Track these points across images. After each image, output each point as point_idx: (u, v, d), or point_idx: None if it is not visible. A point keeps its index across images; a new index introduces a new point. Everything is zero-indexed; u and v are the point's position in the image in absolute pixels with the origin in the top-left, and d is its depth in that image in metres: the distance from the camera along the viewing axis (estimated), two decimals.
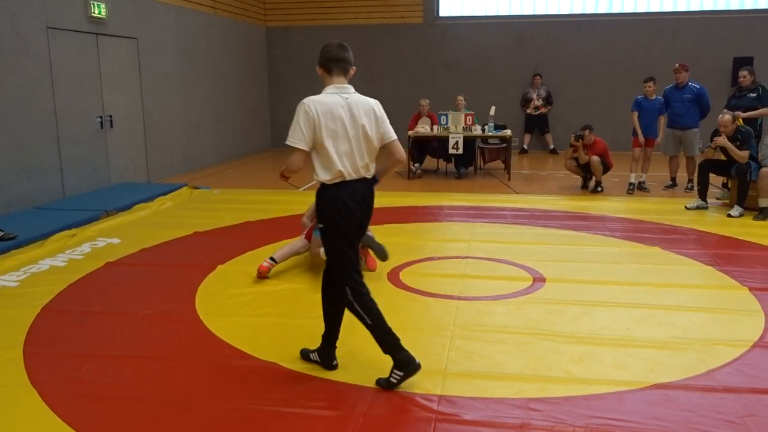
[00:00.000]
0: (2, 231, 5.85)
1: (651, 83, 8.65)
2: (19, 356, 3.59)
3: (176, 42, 10.45)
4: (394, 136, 3.33)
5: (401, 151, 3.35)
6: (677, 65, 8.50)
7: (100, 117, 8.59)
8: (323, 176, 3.12)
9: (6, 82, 7.00)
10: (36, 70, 7.42)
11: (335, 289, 3.26)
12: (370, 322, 3.19)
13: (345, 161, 3.11)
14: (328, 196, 3.14)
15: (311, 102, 3.12)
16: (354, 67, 3.27)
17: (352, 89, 3.23)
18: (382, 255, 4.85)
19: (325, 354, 3.43)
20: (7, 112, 7.01)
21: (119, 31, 8.89)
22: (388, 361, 3.49)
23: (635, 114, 8.73)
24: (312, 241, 5.08)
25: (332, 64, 3.20)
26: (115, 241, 6.15)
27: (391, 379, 3.18)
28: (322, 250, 4.68)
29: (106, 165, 8.78)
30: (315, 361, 3.46)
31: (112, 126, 8.83)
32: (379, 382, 3.22)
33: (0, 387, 3.24)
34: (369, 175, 3.23)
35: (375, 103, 3.29)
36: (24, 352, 3.66)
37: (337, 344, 3.45)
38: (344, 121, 3.12)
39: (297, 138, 3.09)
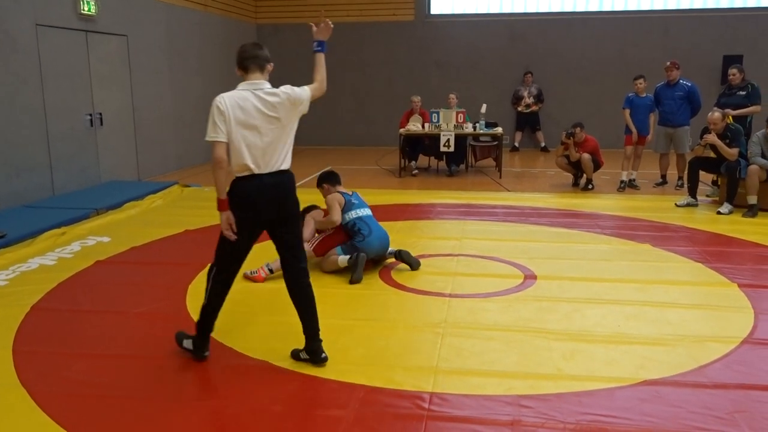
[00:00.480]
0: None
1: (641, 80, 8.70)
2: (8, 355, 3.57)
3: (166, 39, 10.39)
4: (308, 91, 3.47)
5: (319, 89, 3.59)
6: (668, 63, 8.54)
7: (90, 115, 8.53)
8: (234, 169, 3.25)
9: None
10: (25, 67, 7.36)
11: (301, 280, 3.46)
12: (205, 303, 3.45)
13: (255, 155, 3.23)
14: (236, 188, 3.27)
15: (222, 98, 3.25)
16: (271, 63, 3.39)
17: (267, 85, 3.31)
18: (416, 265, 5.10)
19: (312, 350, 3.43)
20: None
21: (109, 28, 8.84)
22: (380, 358, 3.50)
23: (627, 111, 8.77)
24: (324, 257, 5.04)
25: (248, 62, 3.31)
26: (105, 239, 6.12)
27: (185, 343, 3.54)
28: (341, 258, 4.83)
29: (96, 163, 8.72)
30: (305, 360, 3.46)
31: (102, 124, 8.78)
32: (177, 336, 3.59)
33: None
34: (284, 167, 3.32)
35: (287, 90, 3.36)
36: (13, 351, 3.63)
37: (321, 337, 3.46)
38: (255, 115, 3.22)
39: (215, 132, 3.22)
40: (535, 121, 13.22)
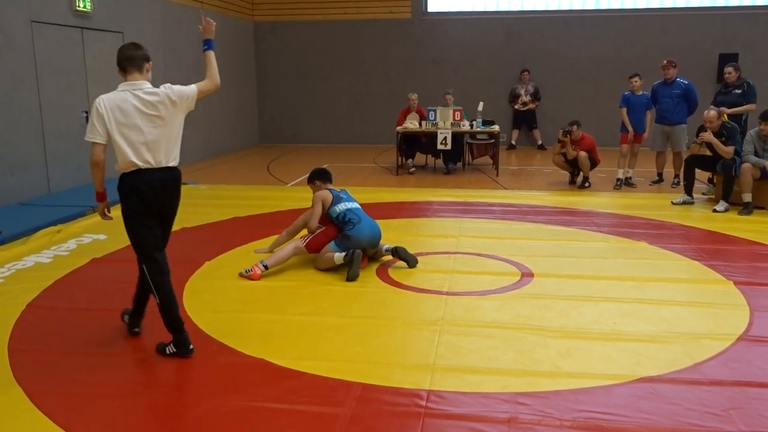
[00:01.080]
0: None
1: (637, 78, 8.71)
2: (3, 353, 3.56)
3: (162, 36, 10.36)
4: (195, 88, 3.59)
5: (208, 85, 3.70)
6: (665, 61, 8.55)
7: (86, 112, 8.49)
8: (120, 166, 3.41)
9: None
10: (20, 64, 7.33)
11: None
12: (158, 301, 3.49)
13: (140, 152, 3.36)
14: (124, 183, 3.43)
15: (101, 100, 3.38)
16: (150, 63, 3.50)
17: (146, 84, 3.43)
18: (413, 262, 5.12)
19: (179, 342, 3.49)
20: None
21: (104, 25, 8.80)
22: (377, 356, 3.50)
23: (624, 110, 8.78)
24: (319, 255, 5.02)
25: (125, 63, 3.42)
26: (101, 237, 6.10)
27: (167, 349, 3.50)
28: (336, 255, 4.83)
29: None
30: (173, 353, 3.49)
31: None
32: (157, 346, 3.54)
33: None
34: (171, 164, 3.48)
35: (167, 89, 3.47)
36: (9, 349, 3.62)
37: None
38: (135, 115, 3.35)
39: (93, 133, 3.36)
40: (532, 119, 13.23)
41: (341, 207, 5.15)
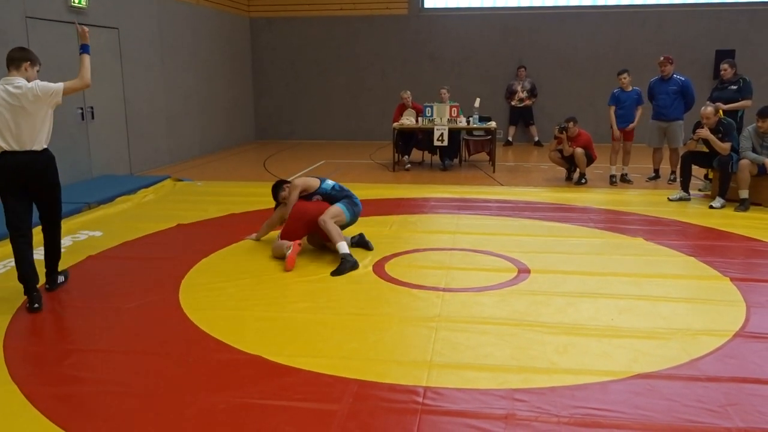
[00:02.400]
0: None
1: (625, 75, 8.64)
2: None
3: (158, 32, 10.32)
4: (61, 85, 4.14)
5: (77, 83, 4.25)
6: (662, 58, 8.54)
7: (81, 108, 8.47)
8: None
9: None
10: None
11: (52, 231, 4.39)
12: (16, 262, 4.17)
13: (5, 136, 3.98)
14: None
15: None
16: (29, 62, 4.11)
17: (18, 80, 4.03)
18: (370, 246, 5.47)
19: (53, 279, 4.45)
20: None
21: (100, 21, 8.76)
22: (374, 353, 3.50)
23: (612, 109, 8.71)
24: (329, 219, 5.17)
25: (8, 62, 4.09)
26: (97, 233, 6.08)
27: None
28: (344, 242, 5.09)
29: (88, 157, 8.66)
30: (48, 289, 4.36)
31: (93, 117, 8.71)
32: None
33: None
34: (36, 148, 4.06)
35: (33, 85, 4.05)
36: (4, 346, 3.60)
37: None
38: (2, 104, 3.96)
39: None
40: (529, 115, 13.23)
41: (329, 182, 5.55)
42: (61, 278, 4.62)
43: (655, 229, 6.19)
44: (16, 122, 3.98)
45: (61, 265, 5.07)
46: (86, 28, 4.52)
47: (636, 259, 5.21)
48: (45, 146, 4.14)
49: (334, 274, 4.80)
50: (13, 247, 4.17)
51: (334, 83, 14.01)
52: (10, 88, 3.99)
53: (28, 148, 4.03)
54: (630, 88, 8.66)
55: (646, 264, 5.09)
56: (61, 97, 4.14)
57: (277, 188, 5.72)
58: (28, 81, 4.07)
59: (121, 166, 9.45)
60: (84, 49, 4.37)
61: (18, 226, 4.13)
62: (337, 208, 5.27)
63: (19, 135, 4.00)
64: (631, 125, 8.66)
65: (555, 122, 9.58)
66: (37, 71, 4.21)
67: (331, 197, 5.42)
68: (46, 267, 4.45)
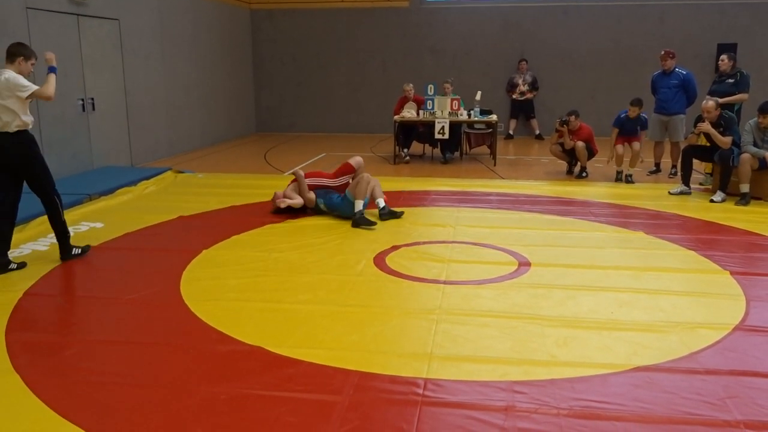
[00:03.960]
0: None
1: (637, 108, 8.32)
2: (1, 341, 3.55)
3: (159, 24, 10.29)
4: (32, 88, 4.64)
5: (41, 93, 4.68)
6: (663, 52, 8.52)
7: (82, 99, 8.46)
8: None
9: None
10: None
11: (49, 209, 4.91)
12: None
13: None
14: None
15: None
16: (22, 56, 4.65)
17: (6, 71, 4.61)
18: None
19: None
20: None
21: (101, 12, 8.74)
22: (374, 345, 3.52)
23: (615, 131, 8.46)
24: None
25: (5, 56, 4.67)
26: (98, 225, 6.09)
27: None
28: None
29: (89, 148, 8.66)
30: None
31: (94, 109, 8.71)
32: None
33: None
34: (8, 130, 4.60)
35: (8, 76, 4.59)
36: (6, 336, 3.61)
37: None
38: None
39: None
40: (530, 108, 13.21)
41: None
42: (77, 250, 5.03)
43: (655, 223, 6.20)
44: None
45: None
46: (53, 55, 4.96)
47: (636, 253, 5.22)
48: (17, 130, 4.64)
49: (353, 225, 5.97)
50: None
51: (335, 76, 13.98)
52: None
53: (2, 130, 4.62)
54: (636, 116, 8.38)
55: (646, 257, 5.10)
56: (25, 95, 4.61)
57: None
58: (21, 74, 4.64)
59: (122, 157, 9.45)
60: (51, 69, 4.85)
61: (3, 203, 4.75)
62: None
63: (10, 120, 4.61)
64: (635, 145, 8.35)
65: (556, 116, 9.56)
66: (32, 64, 4.74)
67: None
68: (56, 239, 4.99)
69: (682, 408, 2.87)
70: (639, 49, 12.72)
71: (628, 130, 8.47)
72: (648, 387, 3.06)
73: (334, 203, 6.35)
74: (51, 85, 4.74)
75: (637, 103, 8.39)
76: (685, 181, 7.54)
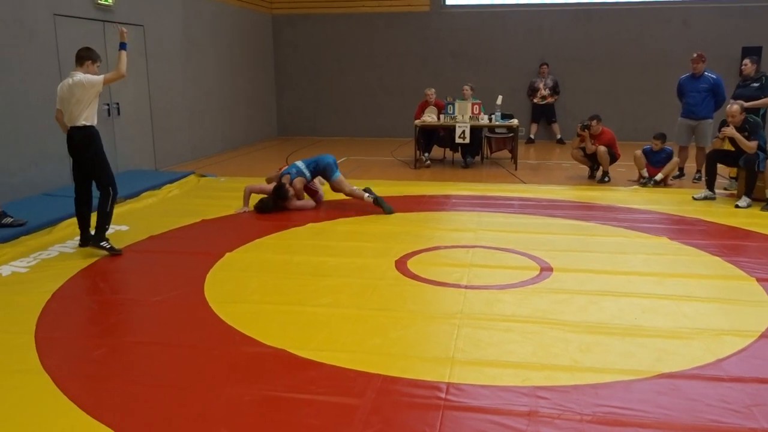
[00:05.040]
0: (11, 217, 5.88)
1: (660, 142, 8.35)
2: (30, 341, 3.63)
3: (182, 29, 10.43)
4: (101, 77, 5.20)
5: (114, 75, 5.28)
6: (695, 55, 8.41)
7: (108, 104, 8.60)
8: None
9: (12, 69, 7.01)
10: (42, 57, 7.43)
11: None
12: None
13: (66, 116, 5.20)
14: None
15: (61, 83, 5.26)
16: (90, 60, 5.20)
17: (77, 74, 5.13)
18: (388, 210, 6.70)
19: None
20: (14, 99, 7.04)
21: (126, 18, 8.88)
22: (396, 348, 3.53)
23: (642, 158, 8.45)
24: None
25: (76, 60, 5.23)
26: (124, 228, 6.19)
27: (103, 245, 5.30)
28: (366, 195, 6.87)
29: (114, 152, 8.79)
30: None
31: (119, 114, 8.85)
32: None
33: (13, 371, 3.28)
34: (78, 124, 5.14)
35: (83, 78, 5.12)
36: (36, 336, 3.69)
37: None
38: (64, 91, 5.15)
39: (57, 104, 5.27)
40: (551, 113, 13.14)
41: (297, 165, 7.03)
42: (106, 244, 5.29)
43: (679, 228, 6.14)
44: (69, 103, 5.11)
45: (88, 259, 5.20)
46: (125, 29, 5.42)
47: (660, 259, 5.17)
48: (86, 124, 5.17)
49: (376, 203, 6.77)
50: (75, 202, 5.46)
51: (355, 80, 14.04)
52: (70, 80, 5.12)
53: (73, 124, 5.17)
54: (660, 149, 8.38)
55: (670, 263, 5.05)
56: (101, 86, 5.18)
57: (283, 192, 6.76)
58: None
59: (146, 161, 9.58)
60: (122, 46, 5.31)
61: (80, 186, 5.39)
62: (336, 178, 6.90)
63: (70, 114, 5.15)
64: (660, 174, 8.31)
65: (578, 120, 9.52)
66: (97, 66, 5.28)
67: (313, 172, 6.97)
68: (96, 225, 5.36)
69: (707, 415, 2.84)
70: (662, 53, 12.60)
71: (654, 161, 8.43)
72: (672, 394, 3.03)
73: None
74: (122, 63, 5.23)
75: (660, 137, 8.35)
76: (710, 186, 7.45)
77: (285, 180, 6.79)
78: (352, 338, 3.67)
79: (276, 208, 6.76)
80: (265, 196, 6.87)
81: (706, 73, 8.38)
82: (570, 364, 3.34)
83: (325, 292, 4.41)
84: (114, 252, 5.29)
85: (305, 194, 7.11)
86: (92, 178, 5.34)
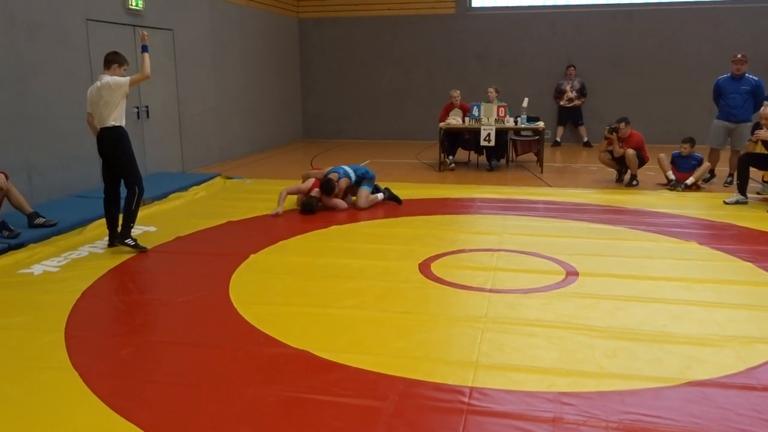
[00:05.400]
0: (44, 218, 6.01)
1: (688, 146, 8.24)
2: (61, 339, 3.70)
3: (210, 33, 10.56)
4: (127, 79, 5.38)
5: (139, 76, 5.49)
6: (739, 56, 8.24)
7: (137, 107, 8.74)
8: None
9: (46, 73, 7.17)
10: (75, 61, 7.58)
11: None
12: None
13: (96, 118, 5.38)
14: None
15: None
16: (116, 64, 5.37)
17: (105, 77, 5.32)
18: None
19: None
20: (47, 102, 7.19)
21: (155, 22, 9.02)
22: (420, 351, 3.52)
23: (669, 166, 8.33)
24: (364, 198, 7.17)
25: (103, 63, 5.43)
26: (152, 229, 6.27)
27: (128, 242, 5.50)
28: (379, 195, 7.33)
29: (143, 154, 8.92)
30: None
31: (148, 116, 8.98)
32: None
33: (43, 368, 3.35)
34: (107, 125, 5.31)
35: (110, 80, 5.29)
36: (65, 335, 3.76)
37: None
38: (93, 94, 5.35)
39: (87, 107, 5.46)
40: (578, 115, 13.00)
41: (343, 169, 7.26)
42: (131, 242, 5.46)
43: (709, 233, 6.02)
44: (100, 107, 5.29)
45: (117, 259, 5.29)
46: (146, 33, 5.67)
47: (689, 264, 5.08)
48: (115, 124, 5.35)
49: (388, 198, 7.29)
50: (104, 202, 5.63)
51: (381, 83, 14.06)
52: (98, 83, 5.31)
53: (103, 125, 5.34)
54: (689, 154, 8.27)
55: (699, 269, 4.96)
56: (128, 87, 5.37)
57: (330, 186, 6.96)
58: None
59: (173, 163, 9.71)
60: (144, 48, 5.51)
61: (109, 185, 5.53)
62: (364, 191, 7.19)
63: (99, 116, 5.33)
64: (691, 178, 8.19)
65: (605, 123, 9.40)
66: (125, 70, 5.44)
67: (357, 178, 7.23)
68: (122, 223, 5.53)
69: (738, 425, 2.77)
70: (694, 54, 12.39)
71: (683, 167, 8.30)
72: (702, 402, 2.97)
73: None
74: (146, 64, 5.44)
75: (689, 141, 8.20)
76: (742, 190, 7.29)
77: (332, 177, 7.02)
78: (376, 341, 3.67)
79: (318, 206, 6.95)
80: (301, 196, 7.05)
81: (746, 74, 8.19)
82: (596, 370, 3.29)
83: (349, 295, 4.41)
84: (139, 249, 5.41)
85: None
86: (121, 177, 5.47)
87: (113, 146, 5.37)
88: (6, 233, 5.59)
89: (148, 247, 5.56)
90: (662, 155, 8.40)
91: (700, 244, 5.64)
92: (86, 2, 7.70)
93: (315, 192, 7.01)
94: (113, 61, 5.38)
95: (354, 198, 7.23)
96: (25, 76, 6.90)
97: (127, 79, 5.37)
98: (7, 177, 5.91)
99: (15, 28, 6.76)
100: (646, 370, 3.29)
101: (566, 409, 2.91)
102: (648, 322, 3.91)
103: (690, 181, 8.14)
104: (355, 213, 6.97)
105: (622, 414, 2.86)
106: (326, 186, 6.92)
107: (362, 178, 7.23)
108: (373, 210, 7.06)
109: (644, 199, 7.71)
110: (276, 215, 6.79)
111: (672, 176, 8.26)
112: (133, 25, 8.54)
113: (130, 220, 5.49)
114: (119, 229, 5.50)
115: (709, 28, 12.42)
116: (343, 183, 7.10)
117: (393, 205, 7.29)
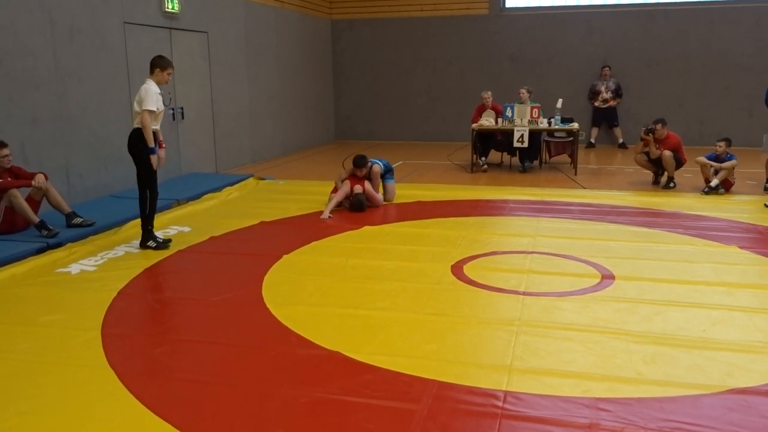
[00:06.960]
0: (81, 218, 6.13)
1: (724, 144, 7.95)
2: (97, 337, 3.76)
3: (244, 35, 10.67)
4: (145, 110, 5.34)
5: (144, 117, 5.38)
6: None
7: (173, 109, 8.87)
8: None
9: (85, 76, 7.32)
10: (113, 63, 7.73)
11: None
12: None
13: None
14: None
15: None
16: (159, 68, 5.46)
17: (147, 80, 5.46)
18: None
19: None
20: (86, 104, 7.34)
21: (191, 25, 9.15)
22: (453, 354, 3.48)
23: (708, 167, 8.05)
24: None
25: (149, 67, 5.56)
26: (186, 229, 6.35)
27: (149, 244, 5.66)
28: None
29: (177, 155, 9.07)
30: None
31: (183, 118, 9.12)
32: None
33: (80, 366, 3.40)
34: (135, 126, 5.44)
35: (144, 86, 5.41)
36: (102, 333, 3.82)
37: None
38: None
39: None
40: (613, 116, 12.78)
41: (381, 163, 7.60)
42: (151, 243, 5.58)
43: (751, 237, 5.85)
44: (134, 109, 5.45)
45: (152, 259, 5.37)
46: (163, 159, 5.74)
47: (730, 268, 4.94)
48: (138, 126, 5.39)
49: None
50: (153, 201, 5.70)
51: (413, 84, 14.04)
52: (143, 85, 5.46)
53: (133, 126, 5.52)
54: (725, 156, 7.99)
55: (740, 273, 4.82)
56: (140, 107, 5.36)
57: (364, 160, 7.28)
58: (158, 83, 5.47)
59: (207, 164, 9.84)
60: (148, 151, 5.48)
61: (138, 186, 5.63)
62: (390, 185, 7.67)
63: (133, 116, 5.50)
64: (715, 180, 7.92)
65: (641, 124, 9.21)
66: (168, 74, 5.51)
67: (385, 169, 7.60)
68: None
69: None
70: (731, 54, 12.08)
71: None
72: (744, 411, 2.88)
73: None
74: (148, 129, 5.36)
75: (725, 139, 7.97)
76: None
77: (376, 168, 7.45)
78: (408, 343, 3.65)
79: (366, 203, 7.16)
80: (335, 195, 7.13)
81: None
82: (633, 376, 3.22)
83: (381, 296, 4.40)
84: (162, 246, 5.58)
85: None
86: (137, 178, 5.57)
87: (135, 146, 5.48)
88: (45, 232, 5.72)
89: (169, 240, 5.75)
90: (702, 159, 8.07)
91: (741, 248, 5.49)
92: (124, 6, 7.85)
93: (357, 188, 7.11)
94: (155, 65, 5.49)
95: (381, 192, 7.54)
96: (64, 79, 7.06)
97: (148, 106, 5.32)
98: (46, 177, 6.05)
99: (56, 32, 6.93)
100: (685, 377, 3.21)
101: (603, 415, 2.85)
102: (687, 328, 3.81)
103: (714, 183, 7.89)
104: (386, 214, 6.96)
105: (660, 421, 2.79)
106: (357, 206, 7.03)
107: (387, 171, 7.62)
108: (404, 211, 7.04)
109: (682, 201, 7.54)
110: (327, 219, 6.74)
111: (715, 182, 7.89)
112: (169, 28, 8.68)
113: (147, 222, 5.60)
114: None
115: (746, 28, 12.10)
116: (377, 168, 7.44)
117: (426, 206, 7.24)
